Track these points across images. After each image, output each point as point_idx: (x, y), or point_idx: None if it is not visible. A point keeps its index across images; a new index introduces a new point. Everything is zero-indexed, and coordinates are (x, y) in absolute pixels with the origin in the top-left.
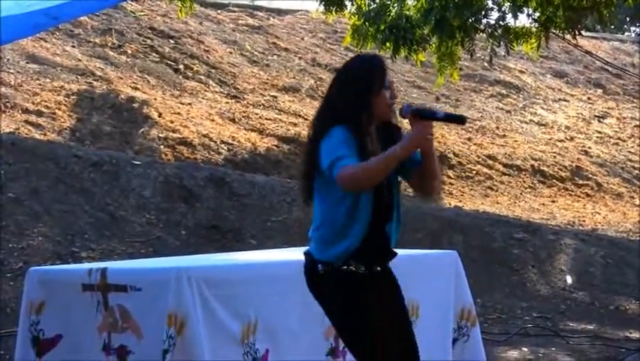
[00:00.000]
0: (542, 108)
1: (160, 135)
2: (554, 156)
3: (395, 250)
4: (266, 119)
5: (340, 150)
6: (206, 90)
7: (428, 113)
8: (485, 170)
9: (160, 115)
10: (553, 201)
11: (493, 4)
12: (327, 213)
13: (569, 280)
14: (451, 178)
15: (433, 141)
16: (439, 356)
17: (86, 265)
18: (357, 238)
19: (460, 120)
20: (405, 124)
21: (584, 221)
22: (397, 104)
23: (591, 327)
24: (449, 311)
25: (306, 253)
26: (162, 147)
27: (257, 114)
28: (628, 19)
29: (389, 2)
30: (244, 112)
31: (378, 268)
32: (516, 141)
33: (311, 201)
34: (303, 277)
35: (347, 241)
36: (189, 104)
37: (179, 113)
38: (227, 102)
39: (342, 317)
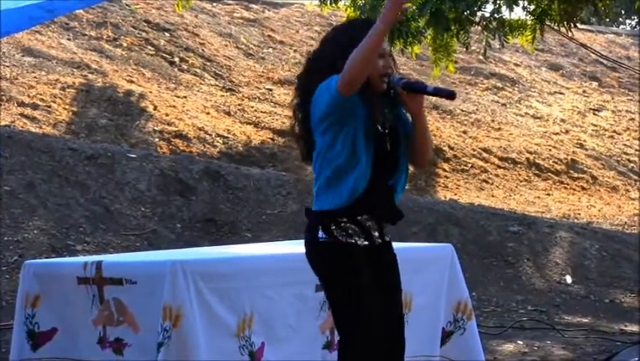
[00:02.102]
0: (538, 101)
1: (155, 128)
2: (550, 149)
3: (401, 214)
4: (261, 112)
5: (326, 81)
6: (201, 83)
7: (418, 86)
8: (480, 163)
9: (155, 108)
10: (548, 195)
11: None
12: (329, 171)
13: (569, 279)
14: (447, 171)
15: (424, 115)
16: (427, 349)
17: (82, 259)
18: (364, 175)
19: (448, 95)
20: None
21: (579, 214)
22: None
23: (586, 320)
24: (441, 305)
25: (307, 212)
26: (158, 140)
27: (252, 107)
28: (623, 12)
29: None
30: (239, 105)
31: (379, 241)
32: (511, 134)
33: (310, 158)
34: (299, 270)
35: (351, 180)
36: (185, 97)
37: (174, 106)
38: (223, 95)
39: (335, 290)
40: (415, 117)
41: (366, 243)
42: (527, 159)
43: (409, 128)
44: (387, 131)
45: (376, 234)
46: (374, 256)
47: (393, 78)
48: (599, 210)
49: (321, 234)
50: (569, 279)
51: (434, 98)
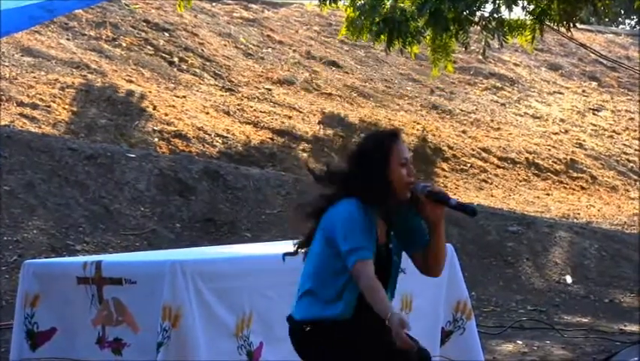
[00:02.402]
0: (537, 101)
1: (155, 128)
2: (549, 149)
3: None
4: (260, 112)
5: (360, 236)
6: (200, 83)
7: (441, 197)
8: (480, 163)
9: (155, 108)
10: (547, 194)
11: None
12: (321, 280)
13: (569, 280)
14: (446, 171)
15: (443, 226)
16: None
17: (81, 258)
18: (346, 310)
19: (470, 212)
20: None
21: (578, 214)
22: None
23: (586, 320)
24: (440, 305)
25: (289, 319)
26: (157, 139)
27: (251, 107)
28: (622, 11)
29: None
30: (239, 105)
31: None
32: (510, 133)
33: (304, 253)
34: (298, 270)
35: (335, 310)
36: (184, 97)
37: (173, 106)
38: (222, 95)
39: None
40: (434, 226)
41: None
42: (527, 158)
43: (425, 239)
44: (389, 252)
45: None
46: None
47: (418, 186)
48: (599, 210)
49: (306, 328)
50: (569, 279)
51: (433, 98)
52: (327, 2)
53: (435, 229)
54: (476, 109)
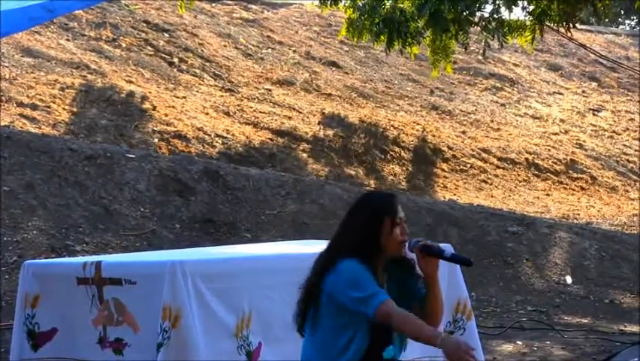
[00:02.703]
0: (537, 101)
1: (154, 129)
2: (549, 150)
3: None
4: (260, 112)
5: (370, 284)
6: (200, 84)
7: (435, 250)
8: (480, 163)
9: (154, 108)
10: (547, 195)
11: None
12: (324, 342)
13: (569, 280)
14: (446, 172)
15: (439, 279)
16: (429, 350)
17: (81, 259)
18: (355, 355)
19: (465, 263)
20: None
21: (578, 214)
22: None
23: (586, 321)
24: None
25: None
26: (157, 140)
27: (251, 107)
28: (622, 12)
29: None
30: (238, 105)
31: None
32: (510, 134)
33: (304, 330)
34: (297, 270)
35: (347, 356)
36: (184, 97)
37: (173, 107)
38: (222, 95)
39: None
40: (430, 279)
41: None
42: (526, 159)
43: (420, 295)
44: None
45: None
46: None
47: (411, 241)
48: (599, 211)
49: None
50: (569, 279)
51: (433, 99)
52: (328, 3)
53: (430, 282)
54: (476, 109)
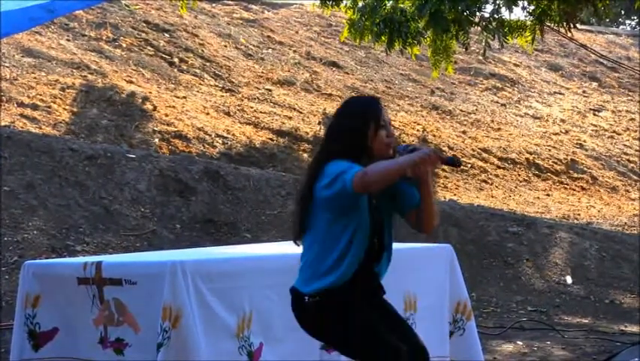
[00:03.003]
0: (537, 101)
1: (155, 129)
2: (549, 150)
3: (383, 287)
4: (261, 112)
5: (345, 164)
6: (201, 84)
7: None
8: (480, 163)
9: (155, 108)
10: (548, 195)
11: None
12: (322, 248)
13: (569, 280)
14: (446, 172)
15: (431, 182)
16: (437, 350)
17: (81, 259)
18: (347, 273)
19: (454, 163)
20: None
21: (579, 215)
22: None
23: (586, 321)
24: (444, 305)
25: (291, 290)
26: (157, 140)
27: (252, 108)
28: (623, 12)
29: None
30: (239, 105)
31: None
32: (511, 134)
33: (301, 240)
34: (297, 274)
35: (334, 276)
36: (184, 97)
37: (174, 107)
38: (222, 96)
39: (341, 336)
40: (421, 183)
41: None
42: (527, 159)
43: (415, 201)
44: (382, 218)
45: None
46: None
47: (400, 147)
48: (599, 211)
49: (306, 299)
50: (569, 279)
51: (433, 99)
52: (329, 4)
53: (423, 187)
54: (476, 109)
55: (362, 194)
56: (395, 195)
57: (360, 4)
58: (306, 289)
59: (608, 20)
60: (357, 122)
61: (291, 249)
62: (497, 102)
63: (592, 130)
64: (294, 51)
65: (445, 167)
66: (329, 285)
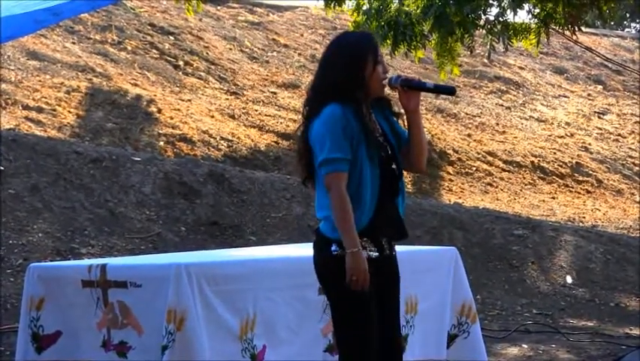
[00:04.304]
0: (542, 104)
1: (160, 132)
2: (554, 153)
3: (406, 231)
4: (266, 115)
5: (335, 148)
6: (205, 86)
7: (416, 83)
8: (485, 166)
9: (160, 111)
10: (553, 198)
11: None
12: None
13: (569, 279)
14: (451, 175)
15: (420, 114)
16: (434, 352)
17: (86, 262)
18: (368, 210)
19: (449, 91)
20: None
21: (584, 217)
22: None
23: (591, 324)
24: (446, 308)
25: (317, 231)
26: (162, 143)
27: (257, 110)
28: (628, 15)
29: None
30: (244, 108)
31: (387, 252)
32: (516, 137)
33: (309, 181)
34: (302, 273)
35: (357, 214)
36: (189, 100)
37: (178, 110)
38: (227, 98)
39: (340, 304)
40: (412, 115)
41: (377, 254)
42: (532, 162)
43: (404, 137)
44: (389, 150)
45: (386, 246)
46: (381, 268)
47: (392, 78)
48: (604, 214)
49: (334, 247)
50: (569, 279)
51: (438, 102)
52: (332, 5)
53: (413, 118)
54: (481, 112)
55: (353, 129)
56: (393, 127)
57: (365, 6)
58: (335, 234)
59: (612, 23)
60: (355, 61)
61: (296, 252)
62: (502, 105)
63: (597, 133)
64: (299, 54)
65: (450, 169)
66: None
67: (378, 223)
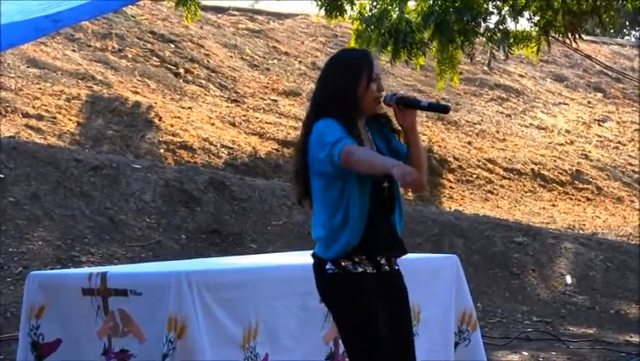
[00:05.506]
0: (542, 112)
1: (160, 139)
2: (554, 160)
3: (404, 247)
4: (266, 123)
5: (336, 132)
6: (206, 94)
7: (412, 101)
8: (485, 174)
9: (160, 119)
10: (553, 205)
11: (493, 7)
12: (327, 210)
13: (569, 279)
14: (452, 182)
15: (418, 131)
16: (436, 352)
17: (86, 270)
18: (357, 229)
19: (443, 109)
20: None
21: (584, 225)
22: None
23: (591, 331)
24: (450, 315)
25: (313, 255)
26: (162, 150)
27: (257, 118)
28: (627, 23)
29: (390, 7)
30: (244, 116)
31: (387, 268)
32: (516, 144)
33: (305, 201)
34: (303, 281)
35: (347, 233)
36: (190, 108)
37: (179, 117)
38: (228, 106)
39: (347, 322)
40: (408, 132)
41: (374, 271)
42: (532, 169)
43: (405, 150)
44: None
45: (384, 262)
46: (384, 285)
47: (387, 96)
48: (604, 221)
49: (328, 266)
50: (568, 279)
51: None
52: (334, 15)
53: (410, 136)
54: (482, 120)
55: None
56: (391, 145)
57: (367, 14)
58: (328, 254)
59: (612, 31)
60: (348, 78)
61: (296, 260)
62: (502, 113)
63: (597, 141)
64: (300, 62)
65: (450, 176)
66: (344, 245)
67: (372, 241)
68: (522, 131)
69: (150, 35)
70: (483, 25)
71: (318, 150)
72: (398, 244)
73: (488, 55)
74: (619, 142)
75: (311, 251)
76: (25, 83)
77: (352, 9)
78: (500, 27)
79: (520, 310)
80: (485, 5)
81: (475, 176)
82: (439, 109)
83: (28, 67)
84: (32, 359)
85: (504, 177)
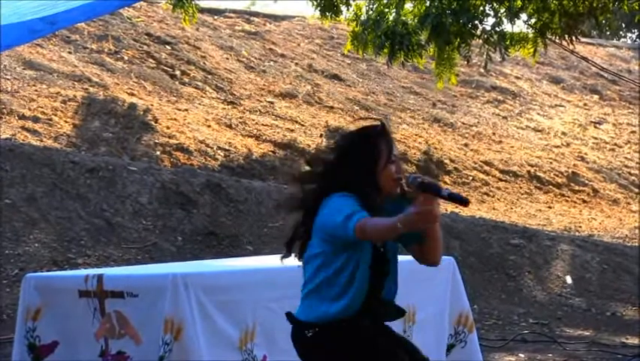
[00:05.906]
0: (538, 114)
1: (156, 141)
2: (551, 162)
3: (401, 307)
4: (262, 125)
5: (352, 207)
6: (202, 96)
7: (433, 188)
8: (482, 176)
9: (157, 121)
10: (549, 207)
11: (489, 9)
12: (325, 277)
13: (569, 280)
14: (448, 184)
15: (438, 219)
16: (434, 354)
17: (83, 272)
18: (353, 304)
19: (462, 202)
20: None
21: (580, 227)
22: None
23: (588, 333)
24: (444, 317)
25: (291, 318)
26: (159, 152)
27: (253, 120)
28: (624, 25)
29: (387, 10)
30: (241, 118)
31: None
32: (512, 146)
33: (297, 255)
34: (299, 283)
35: (343, 302)
36: (186, 110)
37: (175, 119)
38: (224, 108)
39: None
40: (428, 233)
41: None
42: (528, 171)
43: (417, 237)
44: (383, 250)
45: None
46: (378, 337)
47: (409, 177)
48: (600, 223)
49: (306, 332)
50: (568, 279)
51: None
52: (329, 15)
53: (432, 227)
54: (478, 122)
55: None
56: None
57: (363, 16)
58: (309, 317)
59: (609, 33)
60: (367, 159)
61: (292, 261)
62: (499, 115)
63: (593, 143)
64: (296, 64)
65: (447, 178)
66: (334, 315)
67: (372, 306)
68: (518, 133)
69: (146, 37)
70: (480, 27)
71: (335, 214)
72: (393, 308)
73: (485, 57)
74: (615, 144)
75: None
76: (22, 85)
77: (348, 10)
78: (497, 29)
79: (516, 311)
80: (482, 7)
81: (471, 178)
82: (458, 201)
83: (24, 69)
84: None
85: (500, 179)
